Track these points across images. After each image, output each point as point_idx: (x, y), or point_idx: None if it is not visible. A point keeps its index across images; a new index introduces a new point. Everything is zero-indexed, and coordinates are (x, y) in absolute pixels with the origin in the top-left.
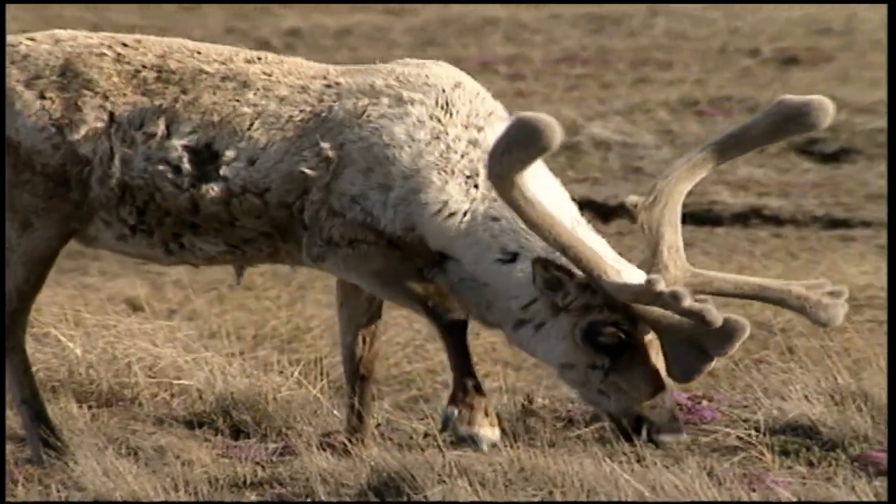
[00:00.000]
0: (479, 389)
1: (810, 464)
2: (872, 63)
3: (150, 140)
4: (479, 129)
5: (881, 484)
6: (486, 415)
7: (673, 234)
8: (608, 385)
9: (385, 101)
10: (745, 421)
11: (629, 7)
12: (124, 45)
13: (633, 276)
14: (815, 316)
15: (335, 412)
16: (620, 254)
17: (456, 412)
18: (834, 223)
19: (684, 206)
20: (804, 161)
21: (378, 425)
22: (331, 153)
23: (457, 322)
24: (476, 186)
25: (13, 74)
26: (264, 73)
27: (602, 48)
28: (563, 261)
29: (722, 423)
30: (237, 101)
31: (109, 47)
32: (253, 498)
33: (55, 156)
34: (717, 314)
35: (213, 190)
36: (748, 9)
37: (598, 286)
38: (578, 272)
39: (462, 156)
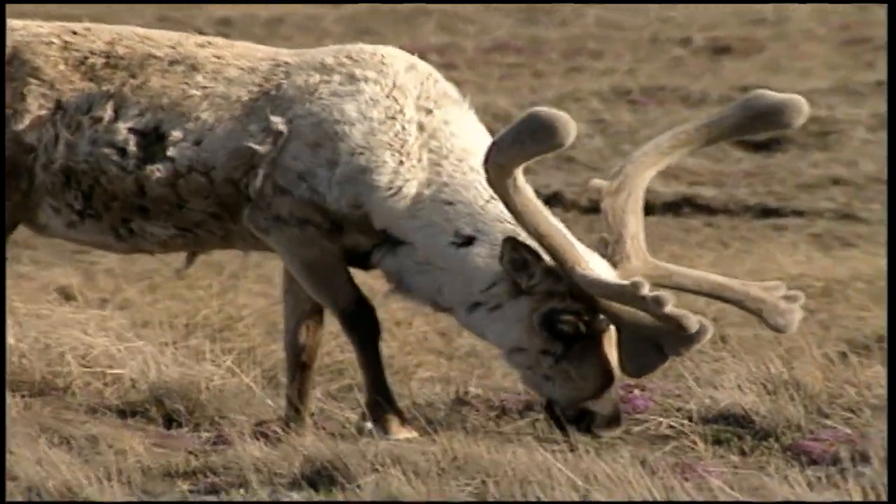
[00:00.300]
0: (391, 402)
1: (743, 453)
2: (804, 53)
3: (97, 124)
4: (428, 112)
5: (813, 473)
6: (401, 424)
7: (636, 224)
8: (556, 372)
9: (337, 78)
10: (678, 410)
11: None
12: (74, 33)
13: (598, 265)
14: (773, 321)
15: (268, 401)
16: None
17: (369, 426)
18: (766, 212)
19: None
20: (736, 150)
21: (311, 414)
22: (281, 127)
23: (370, 334)
24: (424, 169)
25: None
26: (214, 56)
27: (534, 38)
28: (532, 243)
29: (654, 412)
30: (186, 83)
31: (58, 36)
32: (186, 487)
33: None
34: (694, 321)
35: (158, 171)
36: None
37: (570, 277)
38: (546, 257)
39: (415, 138)
